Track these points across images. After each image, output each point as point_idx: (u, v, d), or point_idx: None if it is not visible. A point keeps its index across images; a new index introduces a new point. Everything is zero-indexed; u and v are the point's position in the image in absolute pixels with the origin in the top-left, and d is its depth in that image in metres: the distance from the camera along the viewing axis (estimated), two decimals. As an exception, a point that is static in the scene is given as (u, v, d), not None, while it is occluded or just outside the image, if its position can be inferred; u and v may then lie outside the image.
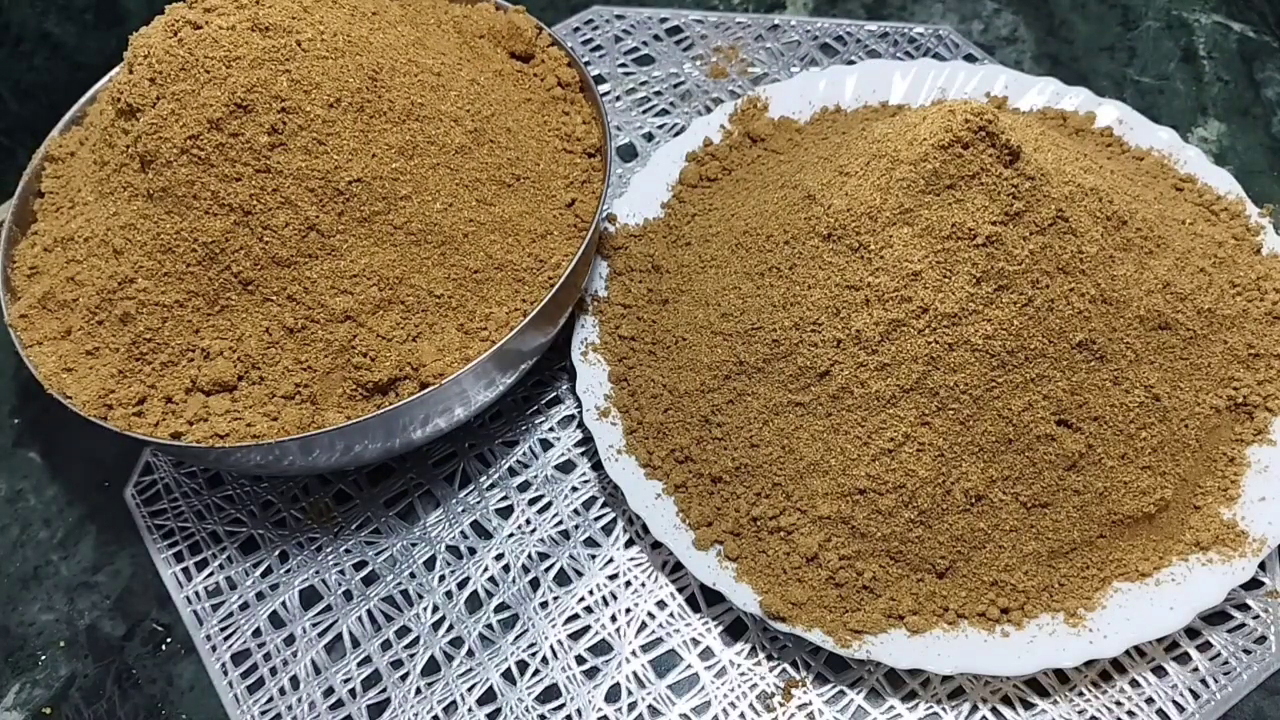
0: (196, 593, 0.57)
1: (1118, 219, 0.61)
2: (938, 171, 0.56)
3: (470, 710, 0.53)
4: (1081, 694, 0.53)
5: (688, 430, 0.60)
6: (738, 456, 0.59)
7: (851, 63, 0.81)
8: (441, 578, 0.57)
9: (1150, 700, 0.53)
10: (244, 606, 0.56)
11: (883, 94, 0.74)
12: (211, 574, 0.58)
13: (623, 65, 0.82)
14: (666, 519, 0.58)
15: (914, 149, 0.57)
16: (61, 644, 0.56)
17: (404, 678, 0.54)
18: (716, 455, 0.59)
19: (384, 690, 0.53)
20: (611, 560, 0.59)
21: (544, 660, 0.54)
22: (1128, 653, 0.54)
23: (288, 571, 0.57)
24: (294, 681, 0.54)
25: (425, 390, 0.52)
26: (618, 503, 0.60)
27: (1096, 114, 0.71)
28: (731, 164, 0.71)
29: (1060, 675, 0.54)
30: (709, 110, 0.78)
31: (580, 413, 0.63)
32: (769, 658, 0.55)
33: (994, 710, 0.53)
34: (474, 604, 0.56)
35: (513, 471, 0.62)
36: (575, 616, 0.56)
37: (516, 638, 0.55)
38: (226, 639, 0.55)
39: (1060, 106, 0.71)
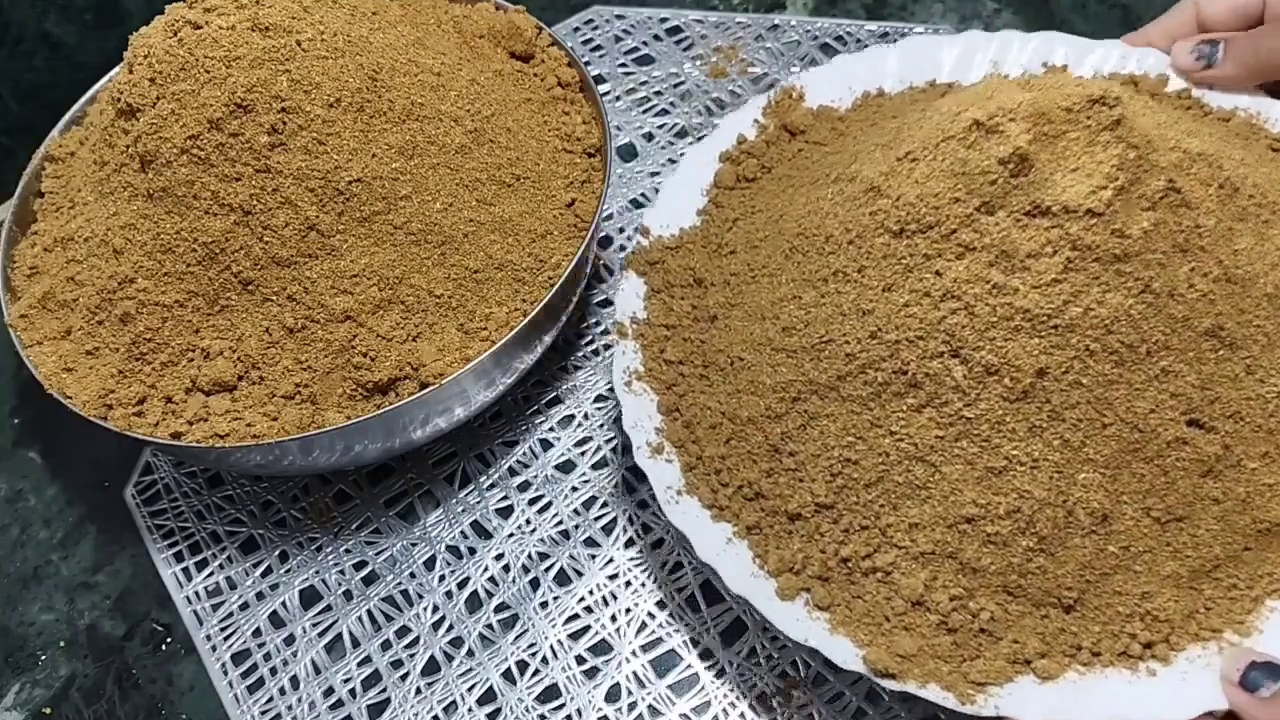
0: (196, 593, 0.54)
1: (1230, 186, 0.49)
2: (1027, 148, 0.45)
3: (470, 710, 0.50)
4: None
5: (755, 463, 0.50)
6: (816, 489, 0.49)
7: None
8: (441, 578, 0.54)
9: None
10: (244, 606, 0.53)
11: (929, 72, 0.62)
12: (211, 574, 0.55)
13: (622, 65, 0.77)
14: (741, 566, 0.48)
15: (994, 126, 0.46)
16: (61, 644, 0.53)
17: (404, 678, 0.51)
18: (792, 489, 0.49)
19: (384, 690, 0.50)
20: (611, 560, 0.54)
21: (544, 660, 0.51)
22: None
23: (288, 571, 0.54)
24: (294, 681, 0.51)
25: (425, 390, 0.48)
26: (618, 502, 0.56)
27: (1169, 76, 0.57)
28: (771, 161, 0.60)
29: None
30: (710, 111, 0.72)
31: (578, 413, 0.59)
32: (768, 658, 0.51)
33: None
34: (474, 604, 0.53)
35: (513, 471, 0.58)
36: (575, 616, 0.52)
37: (516, 638, 0.52)
38: (226, 639, 0.52)
39: (1129, 70, 0.58)
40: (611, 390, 0.58)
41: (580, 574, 0.54)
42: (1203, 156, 0.48)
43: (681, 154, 0.68)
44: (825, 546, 0.48)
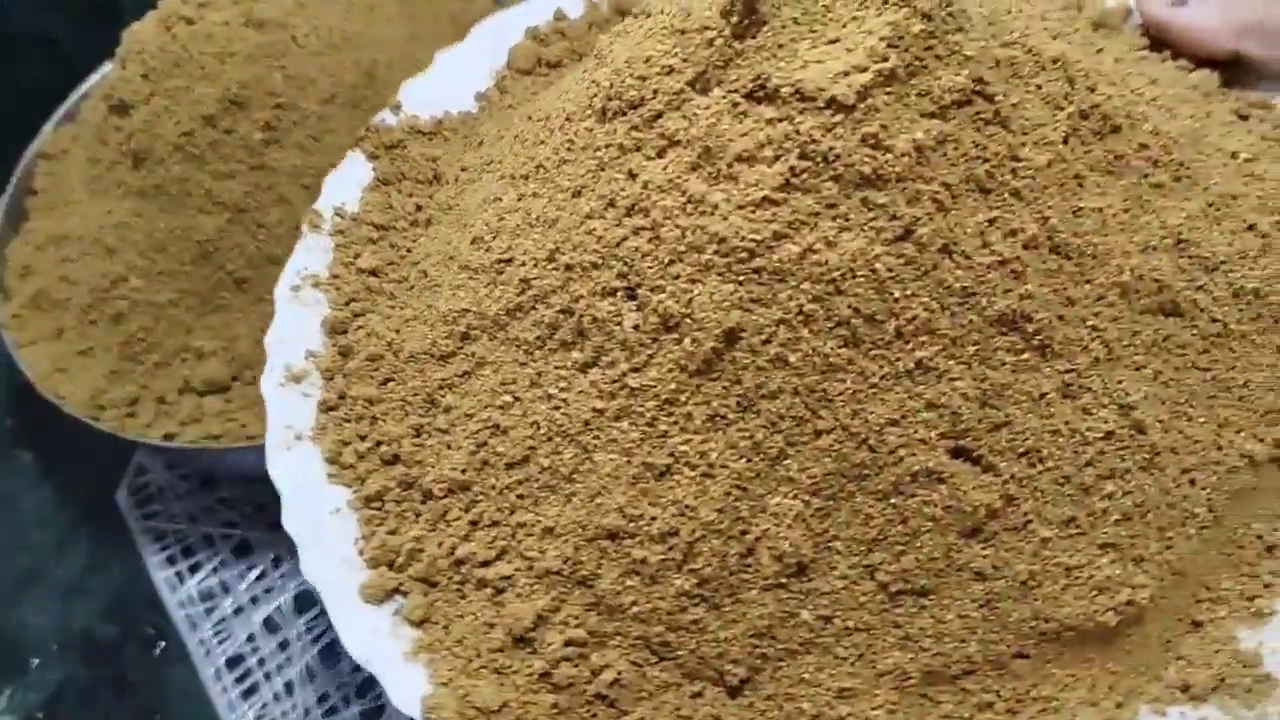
0: (190, 596, 0.52)
1: (1101, 119, 0.33)
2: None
3: None
4: None
5: (407, 415, 0.38)
6: (457, 461, 0.35)
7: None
8: None
9: None
10: (238, 611, 0.51)
11: None
12: (205, 578, 0.52)
13: None
14: (333, 547, 0.35)
15: None
16: (54, 648, 0.51)
17: None
18: (436, 456, 0.36)
19: (379, 696, 0.47)
20: None
21: None
22: None
23: (282, 576, 0.51)
24: (288, 687, 0.48)
25: None
26: None
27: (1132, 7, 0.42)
28: (586, 47, 0.48)
29: None
30: None
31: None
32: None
33: None
34: None
35: None
36: None
37: None
38: (220, 644, 0.50)
39: None
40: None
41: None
42: (1063, 65, 0.33)
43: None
44: (444, 540, 0.35)
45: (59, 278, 0.51)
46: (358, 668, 0.39)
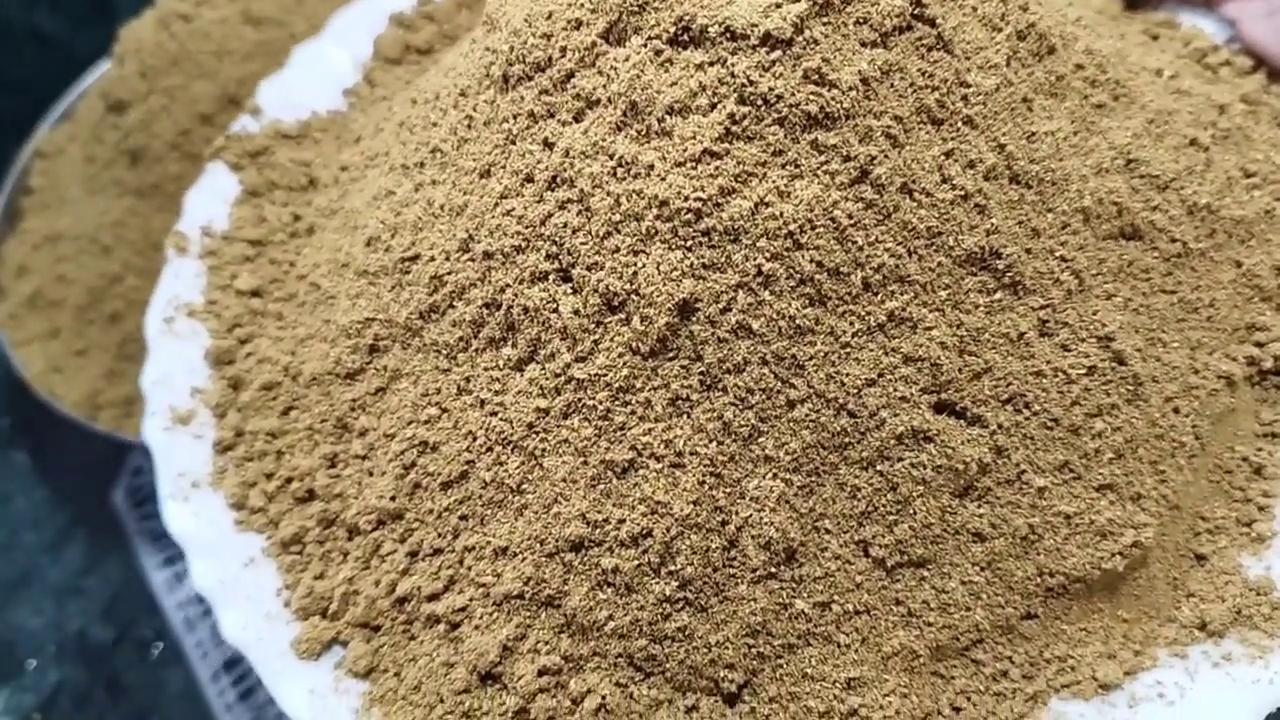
0: (187, 597, 0.50)
1: (1038, 39, 0.31)
2: None
3: None
4: None
5: (316, 445, 0.33)
6: (383, 487, 0.31)
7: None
8: None
9: None
10: None
11: None
12: None
13: None
14: (256, 602, 0.30)
15: None
16: (51, 650, 0.50)
17: None
18: (357, 486, 0.31)
19: None
20: None
21: None
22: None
23: None
24: None
25: None
26: None
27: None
28: (458, 29, 0.44)
29: None
30: None
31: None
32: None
33: None
34: None
35: None
36: None
37: None
38: (217, 645, 0.48)
39: None
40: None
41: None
42: None
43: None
44: (381, 577, 0.30)
45: (55, 277, 0.51)
46: None
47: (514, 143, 0.30)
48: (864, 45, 0.28)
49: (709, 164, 0.27)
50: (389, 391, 0.32)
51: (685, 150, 0.27)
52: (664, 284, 0.27)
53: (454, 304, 0.31)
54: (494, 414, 0.30)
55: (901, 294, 0.28)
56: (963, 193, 0.28)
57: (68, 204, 0.53)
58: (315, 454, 0.33)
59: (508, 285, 0.29)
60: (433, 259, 0.31)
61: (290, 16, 0.49)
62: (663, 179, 0.27)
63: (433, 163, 0.33)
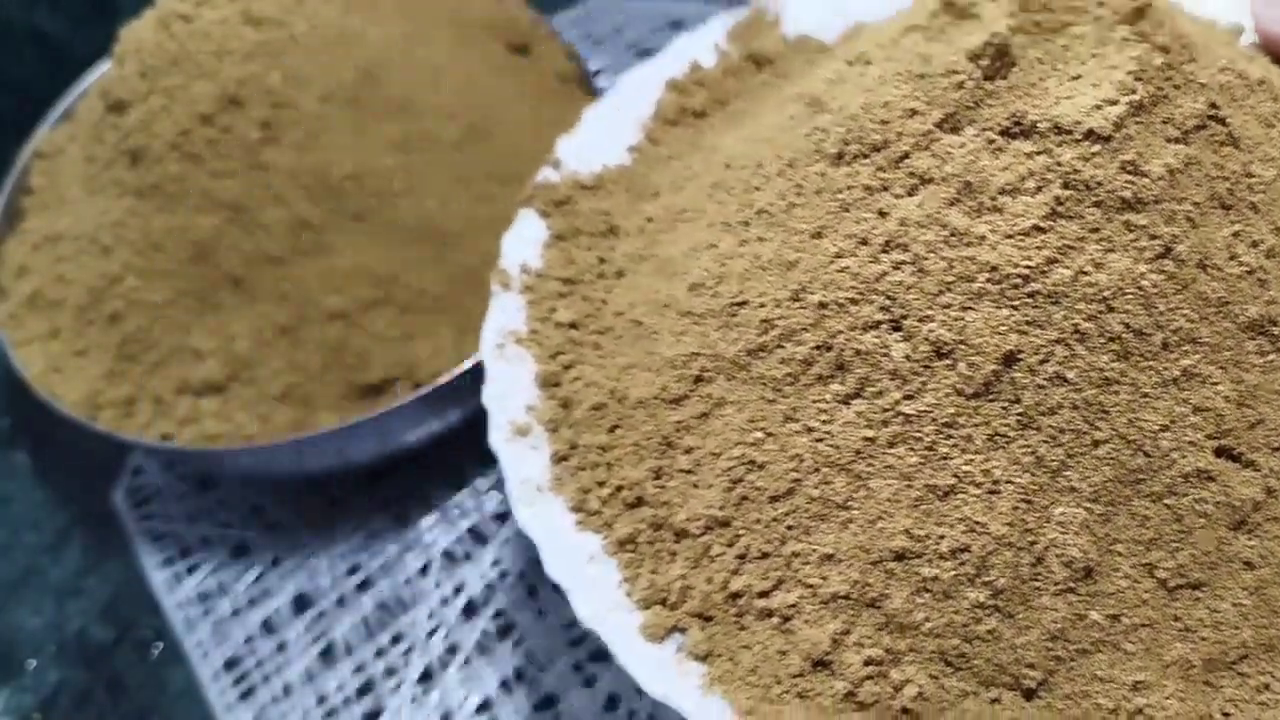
0: (188, 597, 0.50)
1: None
2: (1008, 41, 0.33)
3: (467, 719, 0.45)
4: None
5: (642, 459, 0.38)
6: (711, 499, 0.36)
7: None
8: (437, 583, 0.50)
9: None
10: (235, 612, 0.50)
11: None
12: (203, 579, 0.51)
13: (622, 59, 0.70)
14: (602, 592, 0.36)
15: (967, 7, 0.34)
16: (51, 650, 0.50)
17: (399, 686, 0.47)
18: (682, 497, 0.36)
19: (378, 698, 0.47)
20: None
21: (541, 668, 0.46)
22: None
23: (280, 576, 0.51)
24: (286, 689, 0.47)
25: (420, 391, 0.45)
26: None
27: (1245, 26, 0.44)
28: (726, 94, 0.48)
29: None
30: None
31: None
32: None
33: None
34: (470, 611, 0.49)
35: None
36: (574, 623, 0.45)
37: (514, 645, 0.47)
38: (218, 645, 0.49)
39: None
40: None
41: (580, 580, 0.46)
42: (1267, 86, 0.35)
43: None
44: (713, 575, 0.35)
45: (55, 277, 0.50)
46: (358, 669, 0.46)
47: (848, 210, 0.35)
48: (1169, 141, 0.32)
49: (1036, 237, 0.32)
50: (713, 416, 0.37)
51: (1015, 225, 0.32)
52: (991, 336, 0.32)
53: (783, 344, 0.36)
54: (821, 440, 0.34)
55: (1193, 353, 0.32)
56: (1248, 268, 0.32)
57: (68, 204, 0.52)
58: (642, 467, 0.38)
59: (840, 331, 0.34)
60: (762, 305, 0.36)
61: (290, 16, 0.48)
62: (993, 248, 0.32)
63: (758, 222, 0.38)
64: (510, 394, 0.40)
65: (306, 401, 0.47)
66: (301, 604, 0.50)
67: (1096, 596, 0.32)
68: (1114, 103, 0.32)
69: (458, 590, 0.50)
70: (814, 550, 0.34)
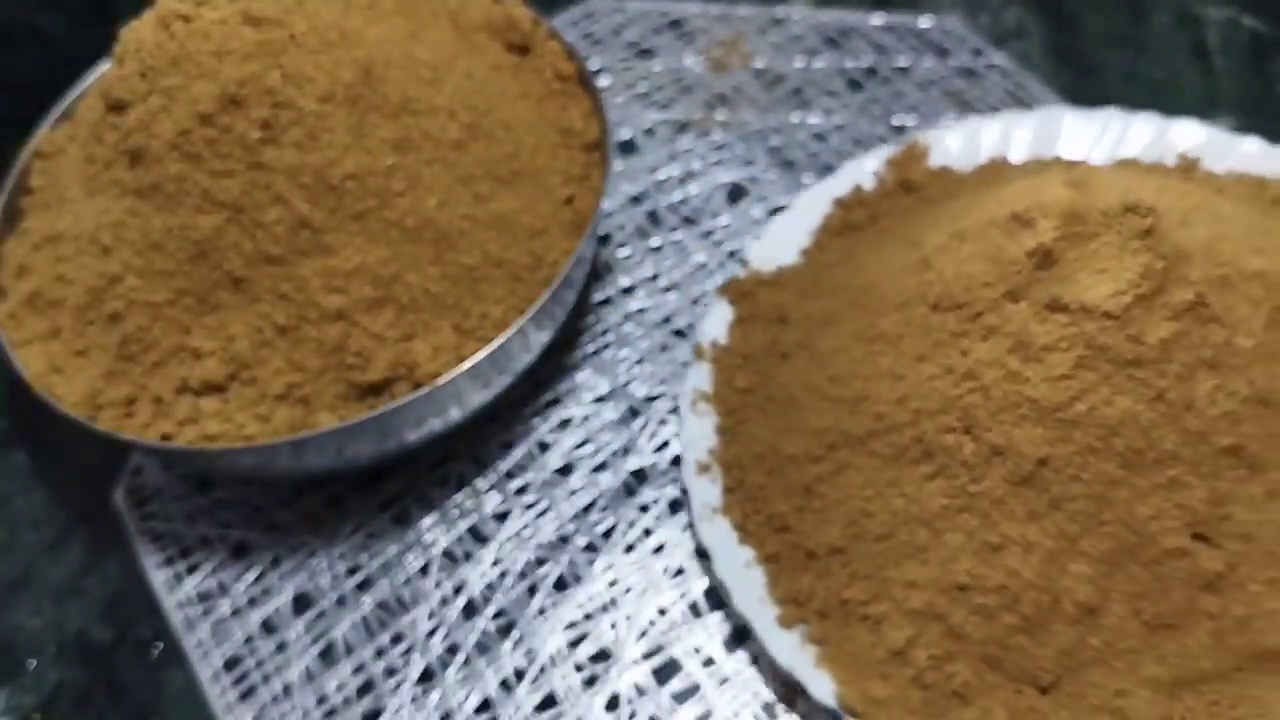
0: (188, 597, 0.50)
1: None
2: (1054, 245, 0.45)
3: (467, 719, 0.46)
4: None
5: (788, 498, 0.49)
6: (835, 533, 0.49)
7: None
8: (437, 583, 0.50)
9: None
10: (235, 612, 0.50)
11: (1057, 146, 0.60)
12: (202, 579, 0.51)
13: (622, 58, 0.72)
14: (753, 590, 0.49)
15: (1028, 219, 0.46)
16: (51, 650, 0.49)
17: (399, 686, 0.48)
18: (815, 528, 0.49)
19: (378, 698, 0.47)
20: (612, 566, 0.51)
21: (542, 668, 0.48)
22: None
23: (280, 577, 0.51)
24: (286, 689, 0.48)
25: (420, 391, 0.45)
26: (617, 507, 0.53)
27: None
28: (880, 212, 0.58)
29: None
30: (711, 106, 0.67)
31: (577, 415, 0.56)
32: (772, 665, 0.47)
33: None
34: (470, 611, 0.49)
35: (510, 475, 0.54)
36: (574, 623, 0.49)
37: (514, 645, 0.48)
38: (218, 645, 0.49)
39: (1265, 172, 0.55)
40: (612, 393, 0.56)
41: (579, 580, 0.50)
42: (1262, 277, 0.43)
43: (804, 188, 0.64)
44: (831, 586, 0.48)
45: (55, 277, 0.49)
46: (358, 669, 0.49)
47: (939, 346, 0.48)
48: (1164, 319, 0.44)
49: (1065, 381, 0.44)
50: (840, 475, 0.50)
51: (1051, 371, 0.44)
52: (1031, 445, 0.45)
53: (890, 433, 0.48)
54: (912, 502, 0.47)
55: (1177, 467, 0.44)
56: (1225, 411, 0.44)
57: (67, 204, 0.51)
58: (788, 503, 0.51)
59: (929, 430, 0.47)
60: (877, 402, 0.49)
61: (290, 16, 0.48)
62: (1035, 386, 0.45)
63: (880, 340, 0.50)
64: (698, 440, 0.54)
65: (306, 401, 0.46)
66: (301, 604, 0.50)
67: (1096, 628, 0.40)
68: (1124, 292, 0.40)
69: (458, 590, 0.50)
70: (902, 577, 0.47)
